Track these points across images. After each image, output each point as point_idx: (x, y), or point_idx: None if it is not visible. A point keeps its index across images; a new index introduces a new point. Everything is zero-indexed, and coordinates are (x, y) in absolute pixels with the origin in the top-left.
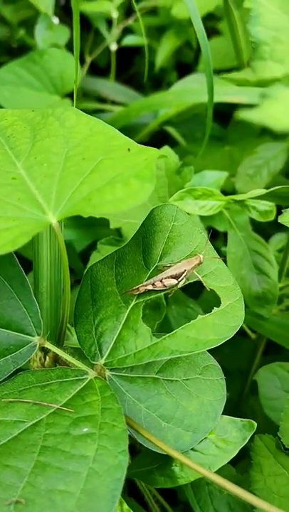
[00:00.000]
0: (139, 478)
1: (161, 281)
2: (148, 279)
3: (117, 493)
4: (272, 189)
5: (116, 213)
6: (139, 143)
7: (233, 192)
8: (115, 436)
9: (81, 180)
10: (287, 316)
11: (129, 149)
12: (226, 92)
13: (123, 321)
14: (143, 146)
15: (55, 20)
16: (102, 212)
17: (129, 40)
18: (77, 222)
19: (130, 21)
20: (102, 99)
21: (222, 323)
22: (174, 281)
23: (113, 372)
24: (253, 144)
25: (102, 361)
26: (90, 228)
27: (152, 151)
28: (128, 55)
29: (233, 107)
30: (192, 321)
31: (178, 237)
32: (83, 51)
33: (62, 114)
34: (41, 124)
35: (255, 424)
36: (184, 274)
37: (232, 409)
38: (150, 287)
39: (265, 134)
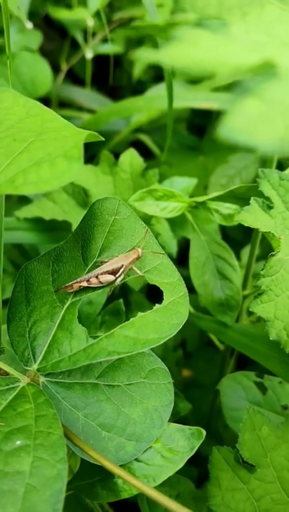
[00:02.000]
0: (80, 492)
1: (96, 277)
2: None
3: (59, 506)
4: (231, 188)
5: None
6: (112, 151)
7: None
8: (51, 444)
9: (9, 162)
10: (257, 327)
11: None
12: (196, 98)
13: (58, 322)
14: (80, 129)
15: (29, 25)
16: (25, 192)
17: (105, 49)
18: (40, 225)
19: (108, 31)
20: (79, 108)
21: (164, 320)
22: (110, 278)
23: (48, 378)
24: (227, 155)
25: (35, 366)
26: (53, 232)
27: (84, 132)
28: (109, 68)
29: (208, 118)
30: (131, 319)
31: (119, 231)
32: (59, 59)
33: None
34: None
35: (204, 433)
36: (121, 270)
37: (204, 422)
38: (85, 284)
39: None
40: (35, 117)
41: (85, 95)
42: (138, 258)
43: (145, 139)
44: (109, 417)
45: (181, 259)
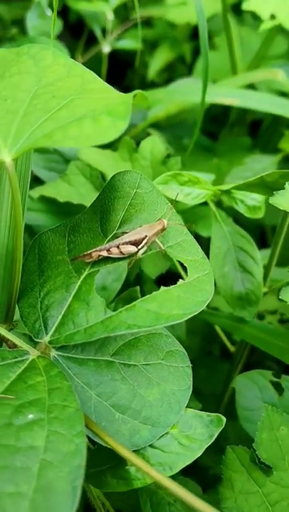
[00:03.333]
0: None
1: (118, 247)
2: None
3: (78, 483)
4: (262, 174)
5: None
6: None
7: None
8: (68, 417)
9: (46, 117)
10: None
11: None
12: (219, 93)
13: (74, 293)
14: (122, 93)
15: (48, 12)
16: (64, 146)
17: (123, 44)
18: (53, 207)
19: (125, 29)
20: None
21: (188, 296)
22: (132, 249)
23: (59, 353)
24: (242, 157)
25: (47, 338)
26: (66, 216)
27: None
28: (121, 69)
29: (221, 125)
30: (153, 293)
31: (141, 204)
32: (75, 52)
33: (38, 53)
34: (13, 61)
35: (224, 420)
36: (144, 241)
37: None
38: (105, 254)
39: (256, 148)
40: (76, 77)
41: None
42: (163, 230)
43: (158, 135)
44: (123, 397)
45: None
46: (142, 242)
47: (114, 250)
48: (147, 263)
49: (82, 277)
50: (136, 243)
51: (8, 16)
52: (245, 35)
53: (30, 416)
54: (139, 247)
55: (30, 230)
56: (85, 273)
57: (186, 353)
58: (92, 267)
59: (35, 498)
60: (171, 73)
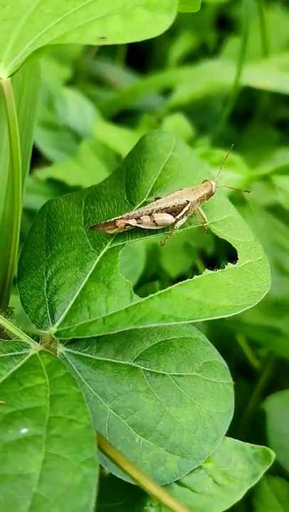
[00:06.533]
0: None
1: (150, 215)
2: None
3: None
4: None
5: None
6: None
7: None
8: (74, 436)
9: (58, 20)
10: None
11: None
12: (253, 75)
13: (90, 272)
14: None
15: None
16: (87, 43)
17: None
18: (61, 192)
19: None
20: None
21: (240, 285)
22: (169, 218)
23: (69, 349)
24: (270, 151)
25: (53, 329)
26: None
27: None
28: (139, 58)
29: (243, 123)
30: (195, 277)
31: (177, 169)
32: None
33: None
34: None
35: (273, 455)
36: (185, 208)
37: None
38: (133, 223)
39: (285, 143)
40: None
41: (117, 73)
42: (210, 195)
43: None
44: (148, 415)
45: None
46: (181, 210)
47: (146, 219)
48: (167, 258)
49: (102, 253)
50: (174, 211)
51: None
52: (275, 20)
53: (24, 431)
54: (178, 216)
55: (31, 214)
56: (106, 247)
57: (227, 367)
58: (116, 241)
59: None
60: (192, 63)
